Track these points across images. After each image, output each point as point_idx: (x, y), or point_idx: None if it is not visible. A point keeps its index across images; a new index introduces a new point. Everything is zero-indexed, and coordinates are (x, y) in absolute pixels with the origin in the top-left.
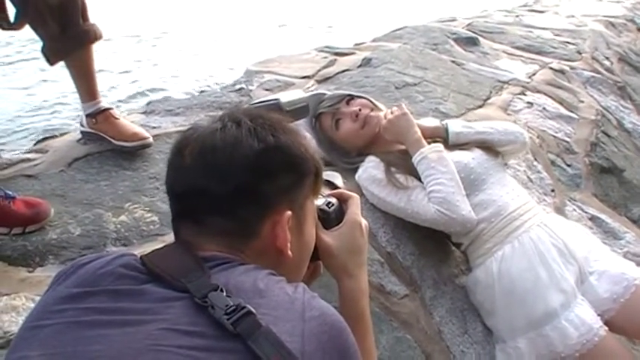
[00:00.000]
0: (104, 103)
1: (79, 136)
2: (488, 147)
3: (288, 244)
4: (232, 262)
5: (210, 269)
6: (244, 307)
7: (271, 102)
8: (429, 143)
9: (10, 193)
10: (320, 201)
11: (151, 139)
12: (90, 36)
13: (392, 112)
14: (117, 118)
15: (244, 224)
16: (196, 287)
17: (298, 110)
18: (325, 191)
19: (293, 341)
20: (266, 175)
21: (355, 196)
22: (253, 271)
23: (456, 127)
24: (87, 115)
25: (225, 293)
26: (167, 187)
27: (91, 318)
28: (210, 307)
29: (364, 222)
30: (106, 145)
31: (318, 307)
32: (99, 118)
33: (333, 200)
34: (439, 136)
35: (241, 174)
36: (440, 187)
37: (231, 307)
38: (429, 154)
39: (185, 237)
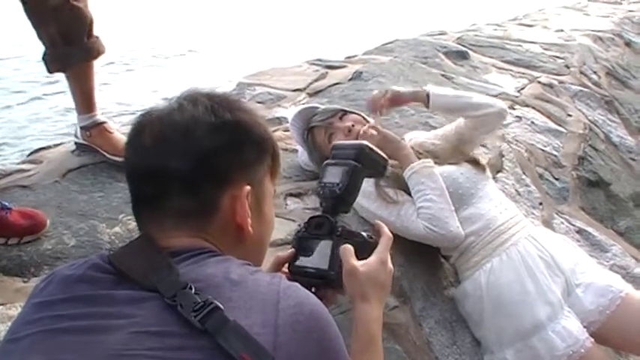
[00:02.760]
0: (100, 116)
1: (73, 147)
2: (477, 161)
3: (248, 220)
4: (202, 253)
5: (179, 264)
6: (211, 303)
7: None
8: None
9: (7, 204)
10: (365, 233)
11: None
12: (92, 52)
13: (369, 135)
14: (111, 132)
15: (204, 200)
16: (165, 286)
17: (377, 163)
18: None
19: (265, 333)
20: (224, 148)
21: (390, 236)
22: (225, 263)
23: (436, 90)
24: (81, 128)
25: (194, 290)
26: (126, 170)
27: (64, 325)
28: (179, 306)
29: (391, 266)
30: (100, 157)
31: (295, 296)
32: (93, 131)
33: (375, 237)
34: (420, 101)
35: (199, 149)
36: (429, 204)
37: (198, 304)
38: (419, 169)
39: (148, 225)
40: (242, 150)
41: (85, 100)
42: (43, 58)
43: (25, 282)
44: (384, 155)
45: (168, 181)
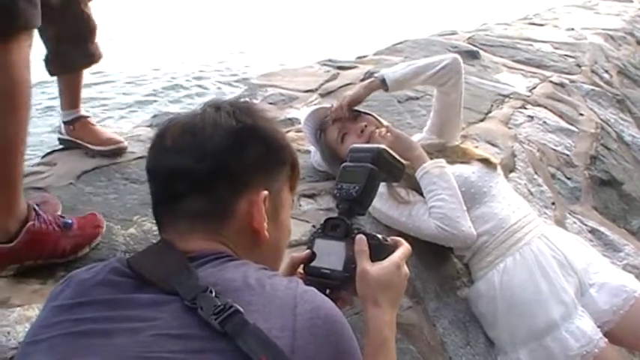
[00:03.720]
0: (83, 111)
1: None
2: (488, 160)
3: (265, 225)
4: (220, 257)
5: (198, 268)
6: (232, 307)
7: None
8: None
9: (69, 221)
10: (380, 235)
11: (125, 144)
12: (95, 58)
13: (382, 136)
14: (93, 125)
15: (220, 202)
16: (185, 290)
17: (394, 167)
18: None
19: (283, 336)
20: (243, 153)
21: (408, 246)
22: (243, 267)
23: (388, 70)
24: (65, 122)
25: (214, 294)
26: (148, 173)
27: (84, 328)
28: (199, 309)
29: (406, 270)
30: (113, 158)
31: (312, 300)
32: (76, 125)
33: (391, 241)
34: (376, 88)
35: (219, 152)
36: (441, 203)
37: (219, 307)
38: (431, 169)
39: (166, 228)
40: (260, 156)
41: (72, 98)
42: (45, 60)
43: (41, 284)
44: (402, 160)
45: (185, 182)
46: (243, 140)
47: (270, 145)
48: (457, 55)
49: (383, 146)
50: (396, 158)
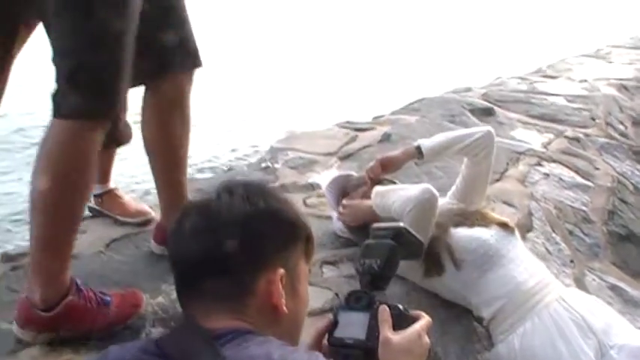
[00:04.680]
0: (111, 184)
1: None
2: (506, 224)
3: (283, 301)
4: (243, 334)
5: (222, 346)
6: None
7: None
8: None
9: (108, 298)
10: (401, 305)
11: (152, 214)
12: (122, 140)
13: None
14: (121, 197)
15: (240, 284)
16: None
17: (413, 244)
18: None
19: None
20: (258, 235)
21: (428, 318)
22: (266, 344)
23: (427, 142)
24: (94, 196)
25: None
26: (170, 259)
27: None
28: None
29: (427, 340)
30: (142, 227)
31: None
32: (104, 197)
33: (412, 312)
34: (411, 156)
35: (234, 236)
36: (396, 205)
37: None
38: (375, 207)
39: (190, 308)
40: (276, 236)
41: (102, 174)
42: None
43: (74, 352)
44: (420, 238)
45: (205, 266)
46: (258, 223)
47: (284, 225)
48: (490, 128)
49: (402, 224)
50: (415, 236)
